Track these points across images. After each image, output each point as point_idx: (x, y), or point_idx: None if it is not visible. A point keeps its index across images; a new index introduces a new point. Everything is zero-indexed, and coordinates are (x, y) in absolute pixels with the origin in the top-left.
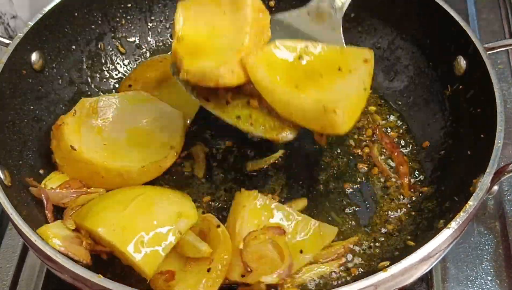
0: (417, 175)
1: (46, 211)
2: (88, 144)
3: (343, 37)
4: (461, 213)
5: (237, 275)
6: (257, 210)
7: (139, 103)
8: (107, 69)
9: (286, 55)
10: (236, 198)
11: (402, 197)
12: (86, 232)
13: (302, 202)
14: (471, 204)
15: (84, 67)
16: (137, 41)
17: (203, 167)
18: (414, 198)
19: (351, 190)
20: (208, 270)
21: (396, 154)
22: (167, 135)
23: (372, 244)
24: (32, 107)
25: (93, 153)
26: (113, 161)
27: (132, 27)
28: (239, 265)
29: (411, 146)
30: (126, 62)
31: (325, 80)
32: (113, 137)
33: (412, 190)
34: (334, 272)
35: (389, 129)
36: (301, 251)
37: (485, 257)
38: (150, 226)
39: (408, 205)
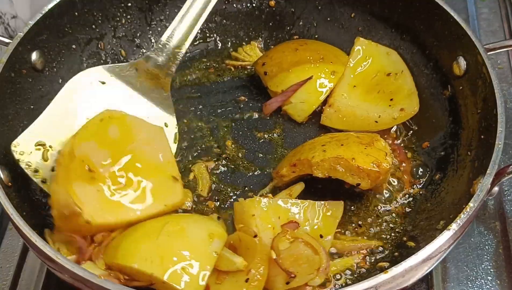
0: (417, 176)
1: (81, 257)
2: (90, 205)
3: (171, 100)
4: (462, 215)
5: (281, 284)
6: (266, 214)
7: (118, 127)
8: None
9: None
10: (238, 209)
11: (402, 196)
12: (119, 269)
13: (300, 186)
14: (472, 205)
15: (85, 66)
16: (137, 41)
17: (207, 185)
18: (414, 199)
19: (350, 189)
20: (247, 281)
21: (398, 151)
22: (160, 156)
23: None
24: (32, 107)
25: (99, 216)
26: (120, 217)
27: (132, 27)
28: (280, 274)
29: (411, 146)
30: (126, 61)
31: (371, 95)
32: (112, 188)
33: (414, 186)
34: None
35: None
36: (321, 236)
37: (485, 257)
38: (187, 250)
39: (408, 206)
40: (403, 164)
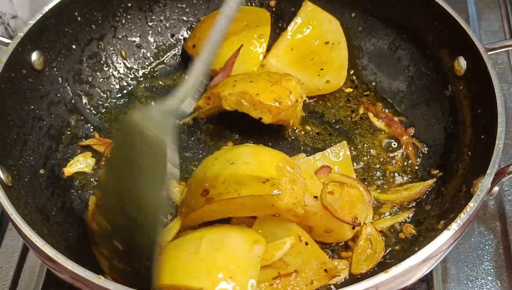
0: (417, 175)
1: None
2: None
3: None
4: (462, 215)
5: (349, 232)
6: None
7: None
8: (107, 68)
9: None
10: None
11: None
12: None
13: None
14: (472, 205)
15: (85, 66)
16: (138, 41)
17: None
18: (414, 199)
19: None
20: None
21: (395, 126)
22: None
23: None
24: (32, 107)
25: None
26: None
27: (133, 27)
28: (344, 225)
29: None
30: (126, 61)
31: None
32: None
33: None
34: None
35: None
36: None
37: (486, 257)
38: (231, 260)
39: (409, 207)
40: (404, 137)
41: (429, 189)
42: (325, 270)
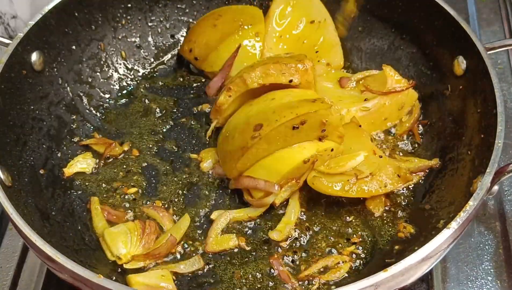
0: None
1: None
2: None
3: None
4: (461, 213)
5: None
6: None
7: None
8: (107, 69)
9: None
10: None
11: (402, 196)
12: None
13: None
14: (471, 204)
15: (85, 67)
16: (138, 41)
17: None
18: (413, 198)
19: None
20: None
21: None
22: None
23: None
24: (32, 107)
25: None
26: None
27: (132, 27)
28: None
29: (411, 146)
30: (126, 62)
31: None
32: None
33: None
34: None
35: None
36: None
37: (485, 257)
38: None
39: (408, 205)
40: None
41: (428, 170)
42: (398, 175)
